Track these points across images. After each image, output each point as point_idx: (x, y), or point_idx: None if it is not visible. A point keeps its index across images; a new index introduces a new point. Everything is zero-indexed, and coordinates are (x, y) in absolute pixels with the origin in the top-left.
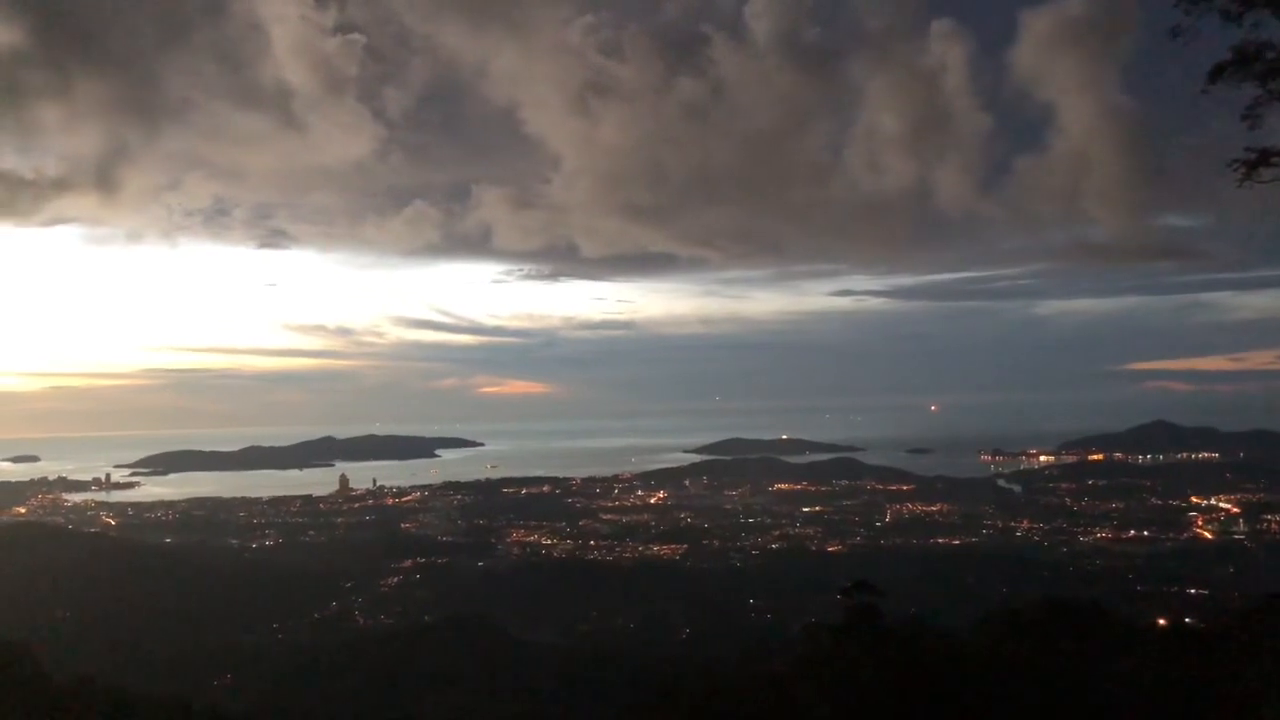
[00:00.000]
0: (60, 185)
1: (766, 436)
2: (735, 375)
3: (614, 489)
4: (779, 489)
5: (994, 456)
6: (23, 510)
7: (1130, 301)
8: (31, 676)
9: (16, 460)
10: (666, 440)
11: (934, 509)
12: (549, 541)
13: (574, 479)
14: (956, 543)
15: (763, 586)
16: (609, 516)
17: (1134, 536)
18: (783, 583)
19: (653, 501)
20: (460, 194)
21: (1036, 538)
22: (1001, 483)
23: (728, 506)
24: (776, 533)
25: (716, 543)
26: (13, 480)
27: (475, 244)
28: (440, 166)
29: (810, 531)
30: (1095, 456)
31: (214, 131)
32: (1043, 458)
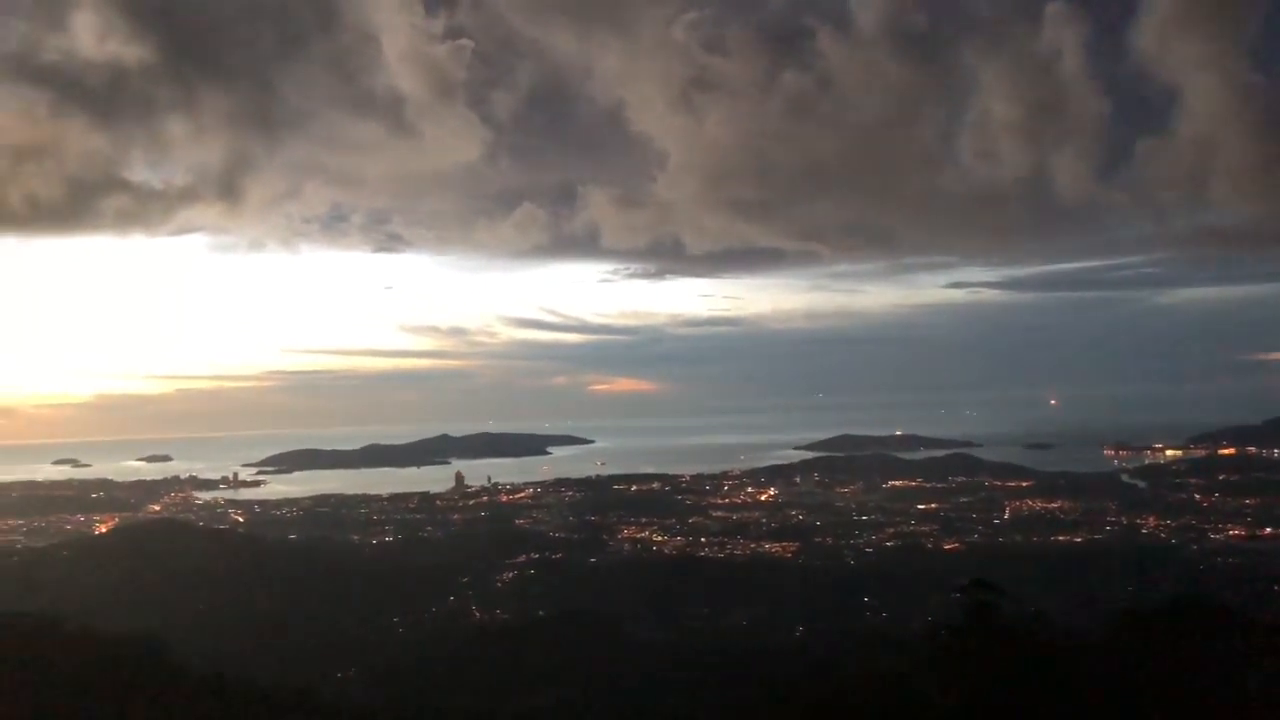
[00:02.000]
0: (188, 195)
1: (879, 433)
2: (846, 370)
3: (723, 486)
4: (893, 486)
5: (1118, 451)
6: (157, 508)
7: (1262, 289)
8: (166, 668)
9: (150, 460)
10: (776, 437)
11: (1054, 505)
12: (659, 538)
13: (683, 476)
14: (1079, 540)
15: (877, 584)
16: (719, 514)
17: (1270, 534)
18: (898, 581)
19: (763, 499)
20: (567, 195)
21: (1164, 535)
22: (1126, 478)
23: (840, 504)
24: (891, 530)
25: (829, 540)
26: (147, 479)
27: (582, 244)
28: (547, 168)
29: (926, 529)
30: (1227, 450)
31: (331, 140)
32: (1169, 452)
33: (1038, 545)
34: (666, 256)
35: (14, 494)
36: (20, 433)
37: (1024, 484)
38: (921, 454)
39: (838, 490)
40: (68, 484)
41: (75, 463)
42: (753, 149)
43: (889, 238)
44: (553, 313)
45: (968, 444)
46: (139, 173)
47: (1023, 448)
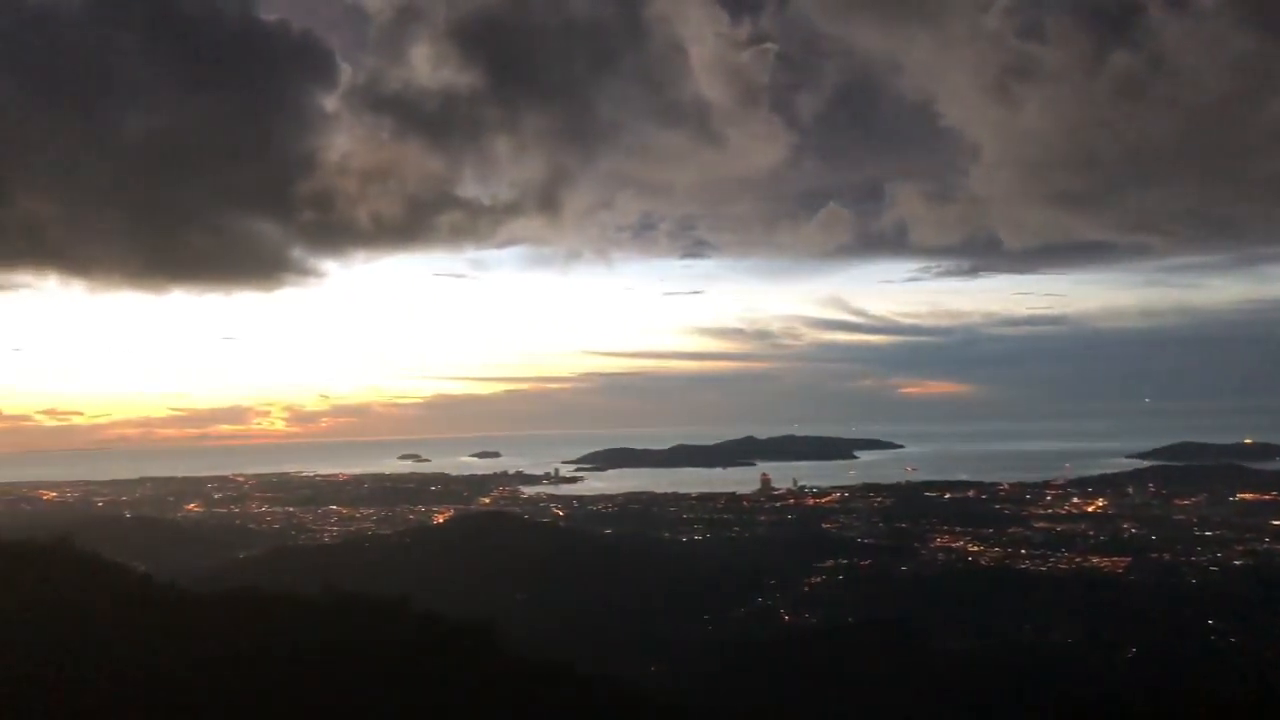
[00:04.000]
0: (512, 210)
1: (1225, 440)
2: (1184, 373)
3: (1045, 495)
4: (1242, 499)
5: None
6: (487, 500)
7: None
8: (498, 651)
9: (482, 455)
10: (1105, 444)
11: None
12: (975, 548)
13: (1000, 484)
14: None
15: (1223, 607)
16: (1040, 524)
17: None
18: (1249, 603)
19: (1090, 510)
20: (873, 193)
21: None
22: None
23: (1179, 517)
24: (1240, 548)
25: (1166, 556)
26: (478, 473)
27: (889, 242)
28: (853, 167)
29: None
30: None
31: (641, 151)
32: None
33: None
34: (980, 253)
35: (365, 485)
36: (371, 430)
37: None
38: (1278, 464)
39: (1176, 502)
40: (410, 477)
41: (417, 458)
42: (1076, 137)
43: (1234, 227)
44: (858, 313)
45: None
46: (470, 189)
47: None
